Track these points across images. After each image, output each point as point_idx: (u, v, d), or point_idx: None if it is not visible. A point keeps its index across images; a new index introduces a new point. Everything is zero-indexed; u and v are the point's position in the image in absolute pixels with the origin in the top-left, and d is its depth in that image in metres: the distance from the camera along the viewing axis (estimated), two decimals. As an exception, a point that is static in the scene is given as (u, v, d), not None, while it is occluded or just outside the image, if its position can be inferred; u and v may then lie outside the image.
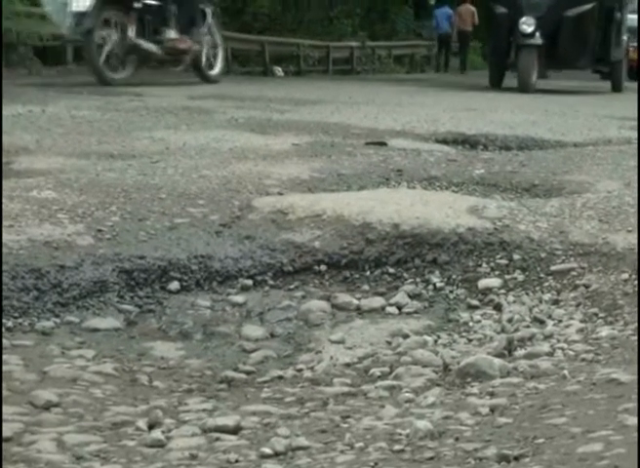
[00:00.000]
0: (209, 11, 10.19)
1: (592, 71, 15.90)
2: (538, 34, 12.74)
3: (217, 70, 10.42)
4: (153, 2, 8.92)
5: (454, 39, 22.36)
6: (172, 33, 9.12)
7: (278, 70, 17.73)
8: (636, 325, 2.28)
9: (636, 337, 2.18)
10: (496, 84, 14.29)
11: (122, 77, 9.06)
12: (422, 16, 25.92)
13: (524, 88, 12.59)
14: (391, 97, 10.23)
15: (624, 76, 15.25)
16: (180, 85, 11.06)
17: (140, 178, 3.67)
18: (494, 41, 14.18)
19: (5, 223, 2.76)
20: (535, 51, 12.82)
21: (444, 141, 5.94)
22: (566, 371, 1.92)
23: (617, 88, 14.88)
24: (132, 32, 8.68)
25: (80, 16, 8.16)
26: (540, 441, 1.48)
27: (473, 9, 21.83)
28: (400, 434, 1.60)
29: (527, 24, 12.75)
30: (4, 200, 3.03)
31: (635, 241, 2.87)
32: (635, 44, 21.06)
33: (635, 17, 20.73)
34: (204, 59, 10.20)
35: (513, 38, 12.98)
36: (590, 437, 1.45)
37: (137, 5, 8.62)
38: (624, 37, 15.05)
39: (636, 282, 2.58)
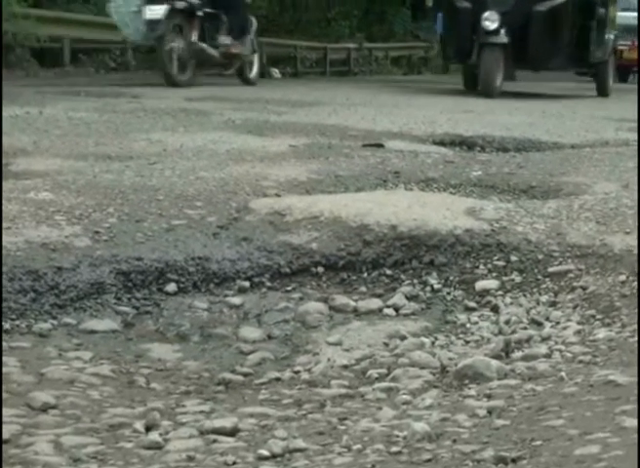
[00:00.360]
0: (254, 20, 11.35)
1: (575, 73, 14.88)
2: (503, 31, 11.27)
3: (254, 73, 11.40)
4: (211, 11, 9.94)
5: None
6: (227, 39, 10.17)
7: (275, 72, 17.71)
8: (634, 327, 2.28)
9: (634, 339, 2.18)
10: (471, 87, 12.82)
11: (185, 79, 9.81)
12: (420, 17, 25.94)
13: (487, 91, 11.27)
14: (388, 98, 10.24)
15: (611, 78, 13.75)
16: (177, 87, 11.06)
17: (137, 180, 3.67)
18: (457, 40, 12.39)
19: (2, 225, 2.76)
20: (499, 50, 11.39)
21: (441, 143, 5.94)
22: (563, 373, 1.92)
23: (602, 91, 13.41)
24: (195, 38, 9.62)
25: (153, 23, 9.04)
26: (538, 443, 1.48)
27: None
28: (397, 436, 1.60)
29: (490, 20, 11.25)
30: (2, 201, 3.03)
31: (633, 242, 2.88)
32: (629, 43, 20.72)
33: (629, 14, 20.22)
34: (247, 63, 11.21)
35: (476, 36, 11.40)
36: (588, 439, 1.45)
37: (199, 13, 9.59)
38: (610, 35, 13.44)
39: (634, 283, 2.58)
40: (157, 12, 8.96)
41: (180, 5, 9.25)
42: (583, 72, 14.15)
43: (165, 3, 8.90)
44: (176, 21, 9.35)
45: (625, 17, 21.14)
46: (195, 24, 9.62)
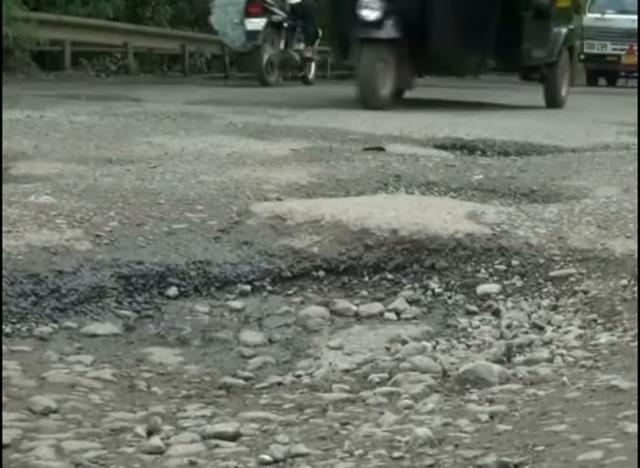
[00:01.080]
0: (319, 29, 12.81)
1: (521, 78, 11.23)
2: (389, 23, 8.28)
3: (312, 75, 13.22)
4: (292, 22, 11.83)
5: None
6: (302, 45, 12.14)
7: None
8: (636, 331, 2.28)
9: (635, 344, 2.18)
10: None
11: (274, 80, 11.57)
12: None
13: (366, 102, 8.46)
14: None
15: (564, 85, 10.57)
16: (177, 90, 11.07)
17: (138, 184, 3.66)
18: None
19: (3, 229, 2.76)
20: (384, 48, 8.40)
21: (442, 147, 5.93)
22: (565, 378, 1.92)
23: (550, 101, 10.35)
24: (283, 46, 11.63)
25: (252, 33, 10.82)
26: (540, 448, 1.48)
27: None
28: (399, 441, 1.59)
29: (369, 8, 8.27)
30: (2, 205, 3.02)
31: (634, 246, 2.87)
32: (626, 47, 20.53)
33: (626, 17, 20.18)
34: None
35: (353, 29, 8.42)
36: (590, 444, 1.45)
37: (285, 25, 11.59)
38: (561, 30, 10.26)
39: (635, 288, 2.58)
40: (257, 24, 10.70)
41: (276, 18, 11.12)
42: (532, 78, 10.75)
43: (263, 16, 10.63)
44: (268, 32, 11.07)
45: (621, 19, 20.86)
46: (282, 34, 11.51)
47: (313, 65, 13.06)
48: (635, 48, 20.58)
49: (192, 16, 18.64)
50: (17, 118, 6.21)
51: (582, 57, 21.11)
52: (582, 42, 21.23)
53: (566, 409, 1.68)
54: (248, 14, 10.78)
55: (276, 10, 11.10)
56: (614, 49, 21.46)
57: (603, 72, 22.46)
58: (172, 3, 17.70)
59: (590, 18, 21.42)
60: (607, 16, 21.41)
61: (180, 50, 16.15)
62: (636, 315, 2.38)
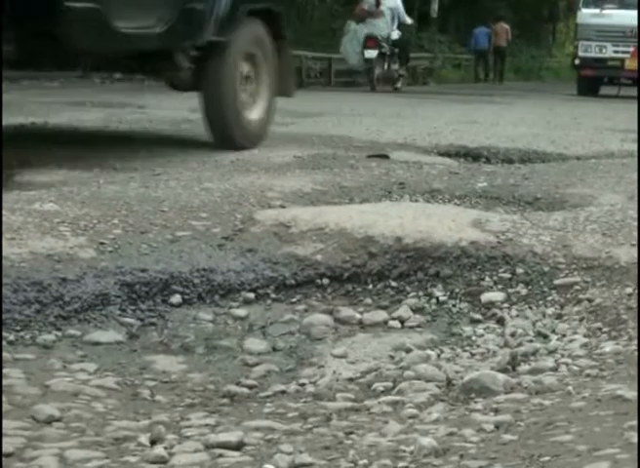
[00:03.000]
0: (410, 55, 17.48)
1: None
2: None
3: (400, 85, 16.47)
4: (392, 51, 15.96)
5: (490, 53, 24.80)
6: (397, 66, 16.15)
7: (280, 82, 17.74)
8: (641, 340, 2.27)
9: (641, 353, 2.17)
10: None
11: (378, 88, 15.31)
12: (425, 29, 25.97)
13: None
14: (393, 109, 10.24)
15: (260, 103, 5.89)
16: (181, 97, 11.07)
17: (141, 191, 3.66)
18: None
19: (7, 236, 2.75)
20: None
21: (446, 154, 5.93)
22: (571, 387, 1.91)
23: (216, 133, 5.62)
24: (387, 67, 15.78)
25: (368, 59, 15.28)
26: (546, 458, 1.47)
27: (507, 27, 24.20)
28: (404, 451, 1.59)
29: None
30: (6, 213, 3.02)
31: (639, 255, 2.86)
32: (630, 49, 17.23)
33: (628, 13, 16.83)
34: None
35: None
36: (597, 455, 1.44)
37: (388, 53, 15.69)
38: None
39: (640, 296, 2.57)
40: (372, 53, 15.16)
41: (383, 50, 15.47)
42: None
43: (375, 49, 15.17)
44: (377, 58, 15.37)
45: (624, 16, 17.49)
46: (386, 59, 15.68)
47: (402, 80, 16.84)
48: None
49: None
50: (21, 125, 6.21)
51: (577, 61, 18.21)
52: (577, 44, 18.33)
53: (571, 418, 1.67)
54: (366, 46, 15.16)
55: (384, 44, 15.40)
56: (615, 51, 17.92)
57: (603, 80, 18.59)
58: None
59: (586, 14, 18.04)
60: (606, 11, 17.79)
61: (185, 57, 16.15)
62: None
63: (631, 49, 17.56)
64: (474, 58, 24.91)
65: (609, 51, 17.95)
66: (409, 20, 16.34)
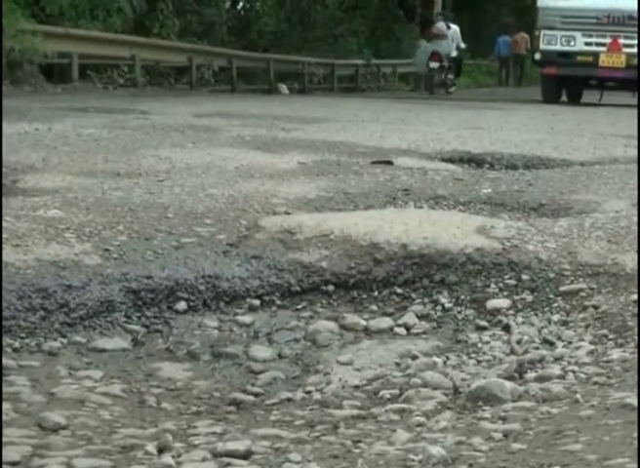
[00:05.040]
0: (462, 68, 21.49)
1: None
2: None
3: (453, 90, 20.15)
4: (449, 65, 19.89)
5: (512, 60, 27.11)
6: (452, 76, 20.07)
7: (283, 88, 17.78)
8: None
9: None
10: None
11: (435, 92, 19.28)
12: (428, 34, 25.97)
13: None
14: (396, 115, 10.24)
15: None
16: (184, 102, 11.08)
17: (146, 197, 3.66)
18: None
19: (12, 243, 2.75)
20: None
21: (450, 160, 5.92)
22: (579, 395, 1.90)
23: None
24: (444, 76, 19.75)
25: (431, 69, 19.45)
26: (556, 468, 1.46)
27: (526, 36, 25.03)
28: (413, 460, 1.58)
29: None
30: (11, 219, 3.02)
31: (645, 262, 2.86)
32: (606, 40, 13.94)
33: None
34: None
35: None
36: (607, 464, 1.43)
37: (446, 65, 19.62)
38: None
39: (646, 303, 2.56)
40: (435, 65, 19.37)
41: (444, 64, 19.45)
42: None
43: (437, 62, 19.29)
44: (438, 68, 19.50)
45: None
46: (444, 70, 19.66)
47: (454, 87, 20.37)
48: (621, 42, 13.72)
49: (200, 28, 18.68)
50: (25, 131, 6.21)
51: (538, 56, 14.62)
52: (538, 34, 14.52)
53: (580, 427, 1.66)
54: (431, 59, 19.33)
55: (444, 59, 19.47)
56: (587, 43, 14.11)
57: (570, 80, 14.71)
58: (180, 15, 17.74)
59: None
60: None
61: (188, 62, 16.18)
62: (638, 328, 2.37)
63: (608, 40, 13.95)
64: (498, 64, 27.85)
65: (578, 42, 14.24)
66: (463, 45, 20.69)
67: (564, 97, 15.70)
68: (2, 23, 10.56)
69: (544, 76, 14.77)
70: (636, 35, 13.53)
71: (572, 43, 14.19)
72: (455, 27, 20.11)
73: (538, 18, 14.61)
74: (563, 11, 14.07)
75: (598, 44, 14.07)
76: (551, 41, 14.31)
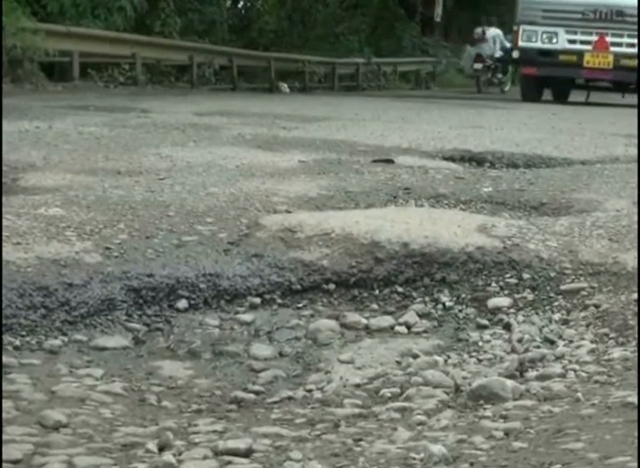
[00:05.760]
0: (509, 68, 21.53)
1: None
2: None
3: (507, 88, 21.53)
4: (495, 65, 21.14)
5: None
6: (501, 75, 21.55)
7: (284, 86, 17.77)
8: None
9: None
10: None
11: (483, 90, 20.90)
12: (428, 33, 26.00)
13: None
14: (397, 113, 10.23)
15: None
16: (185, 101, 11.08)
17: (147, 196, 3.66)
18: None
19: (13, 241, 2.75)
20: None
21: (451, 159, 5.92)
22: (580, 394, 1.90)
23: None
24: (490, 76, 21.45)
25: (476, 70, 21.14)
26: (557, 467, 1.46)
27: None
28: (414, 458, 1.58)
29: None
30: (12, 217, 3.02)
31: (646, 261, 2.85)
32: (592, 38, 12.74)
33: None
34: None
35: None
36: (608, 463, 1.43)
37: (492, 66, 21.14)
38: None
39: (648, 302, 2.56)
40: (479, 66, 21.02)
41: (487, 64, 21.04)
42: None
43: (481, 63, 20.95)
44: (483, 69, 21.13)
45: None
46: (490, 70, 21.32)
47: (506, 84, 21.77)
48: (608, 40, 12.56)
49: (202, 26, 18.67)
50: (25, 129, 6.21)
51: (516, 55, 13.67)
52: (517, 29, 13.45)
53: (581, 426, 1.66)
54: (475, 61, 21.01)
55: (487, 60, 21.03)
56: (570, 41, 13.05)
57: (551, 81, 13.78)
58: (181, 14, 17.74)
59: None
60: None
61: (189, 61, 16.18)
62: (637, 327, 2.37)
63: (594, 38, 12.72)
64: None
65: (561, 40, 13.18)
66: (508, 45, 20.25)
67: (549, 96, 14.66)
68: (2, 21, 10.57)
69: (523, 76, 13.98)
70: (625, 33, 12.42)
71: (554, 40, 13.14)
72: (495, 30, 21.57)
73: (516, 11, 13.43)
74: (544, 4, 13.01)
75: (583, 42, 12.98)
76: (531, 38, 13.26)
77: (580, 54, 12.82)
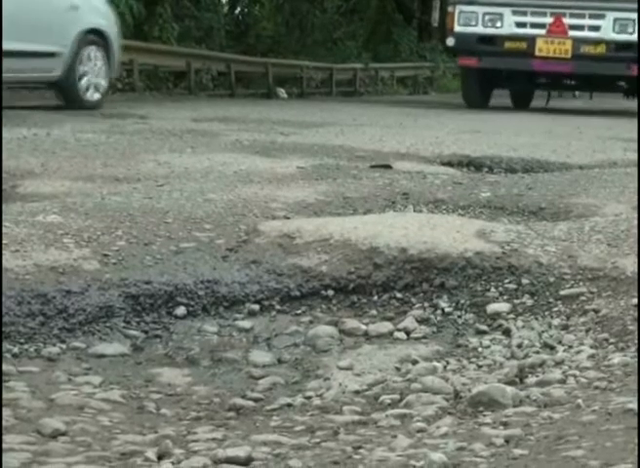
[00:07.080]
0: None
1: None
2: None
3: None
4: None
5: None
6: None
7: (282, 92, 17.79)
8: (649, 352, 2.25)
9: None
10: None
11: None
12: (426, 38, 26.04)
13: None
14: (395, 119, 10.24)
15: None
16: (183, 107, 11.09)
17: (145, 202, 3.65)
18: None
19: (11, 248, 2.74)
20: None
21: (449, 164, 5.93)
22: (580, 400, 1.89)
23: None
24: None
25: None
26: (558, 474, 1.46)
27: None
28: (414, 466, 1.57)
29: None
30: (10, 224, 3.02)
31: (645, 265, 2.85)
32: (547, 20, 10.34)
33: None
34: None
35: None
36: (609, 470, 1.43)
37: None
38: None
39: (647, 307, 2.55)
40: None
41: None
42: None
43: None
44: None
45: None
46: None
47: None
48: (566, 22, 10.20)
49: (199, 32, 18.69)
50: (23, 136, 6.21)
51: (452, 42, 11.05)
52: (452, 10, 10.84)
53: (582, 433, 1.65)
54: None
55: None
56: (519, 24, 10.65)
57: (507, 80, 11.46)
58: (179, 20, 17.76)
59: None
60: None
61: (186, 67, 16.18)
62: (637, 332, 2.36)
63: (549, 19, 10.34)
64: None
65: (507, 23, 10.72)
66: None
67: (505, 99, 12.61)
68: (2, 28, 10.58)
69: (462, 69, 11.39)
70: (587, 13, 10.24)
71: (498, 24, 10.70)
72: None
73: None
74: None
75: (534, 25, 10.56)
76: (470, 21, 10.75)
77: (532, 40, 10.49)
